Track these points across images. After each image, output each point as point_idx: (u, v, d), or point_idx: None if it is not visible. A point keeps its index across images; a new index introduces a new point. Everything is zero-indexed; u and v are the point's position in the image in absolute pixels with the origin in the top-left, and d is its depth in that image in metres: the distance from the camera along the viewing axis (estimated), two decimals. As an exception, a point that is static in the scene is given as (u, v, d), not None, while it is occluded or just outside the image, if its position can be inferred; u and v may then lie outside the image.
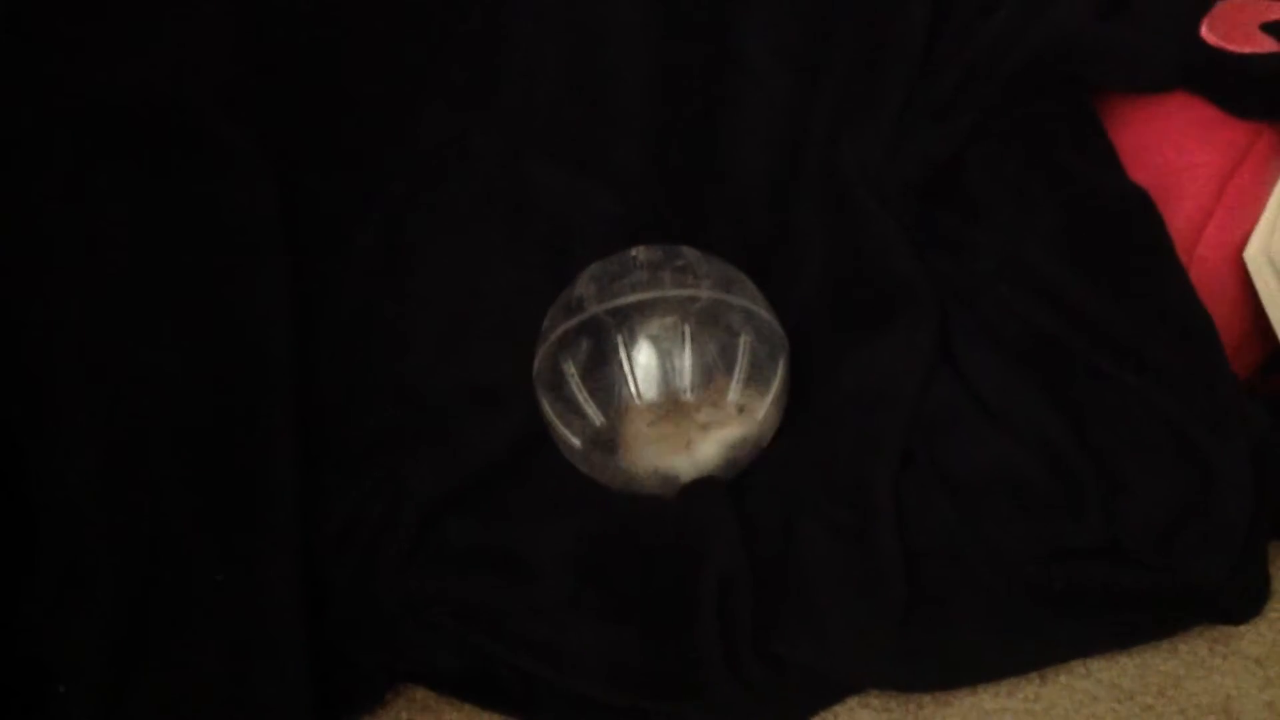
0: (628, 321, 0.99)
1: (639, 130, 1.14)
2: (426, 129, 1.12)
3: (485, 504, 1.02)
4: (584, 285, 1.03)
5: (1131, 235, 1.03)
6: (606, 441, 1.00)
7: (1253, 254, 1.01)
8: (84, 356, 0.97)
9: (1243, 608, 0.97)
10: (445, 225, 1.12)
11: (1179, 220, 1.02)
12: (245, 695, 0.92)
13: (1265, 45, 1.04)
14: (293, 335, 1.02)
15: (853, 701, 0.95)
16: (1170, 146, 1.06)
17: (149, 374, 0.98)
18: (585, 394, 1.00)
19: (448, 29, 1.13)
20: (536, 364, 1.03)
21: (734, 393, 0.99)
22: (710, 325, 0.99)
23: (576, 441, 1.01)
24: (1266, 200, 1.03)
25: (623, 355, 0.99)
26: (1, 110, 1.00)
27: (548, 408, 1.02)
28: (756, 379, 1.01)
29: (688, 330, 0.99)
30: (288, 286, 1.03)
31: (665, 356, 0.98)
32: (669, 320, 0.99)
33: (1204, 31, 1.06)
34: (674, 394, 0.98)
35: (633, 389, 0.98)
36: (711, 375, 0.99)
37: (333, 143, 1.11)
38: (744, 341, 1.00)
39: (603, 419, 0.99)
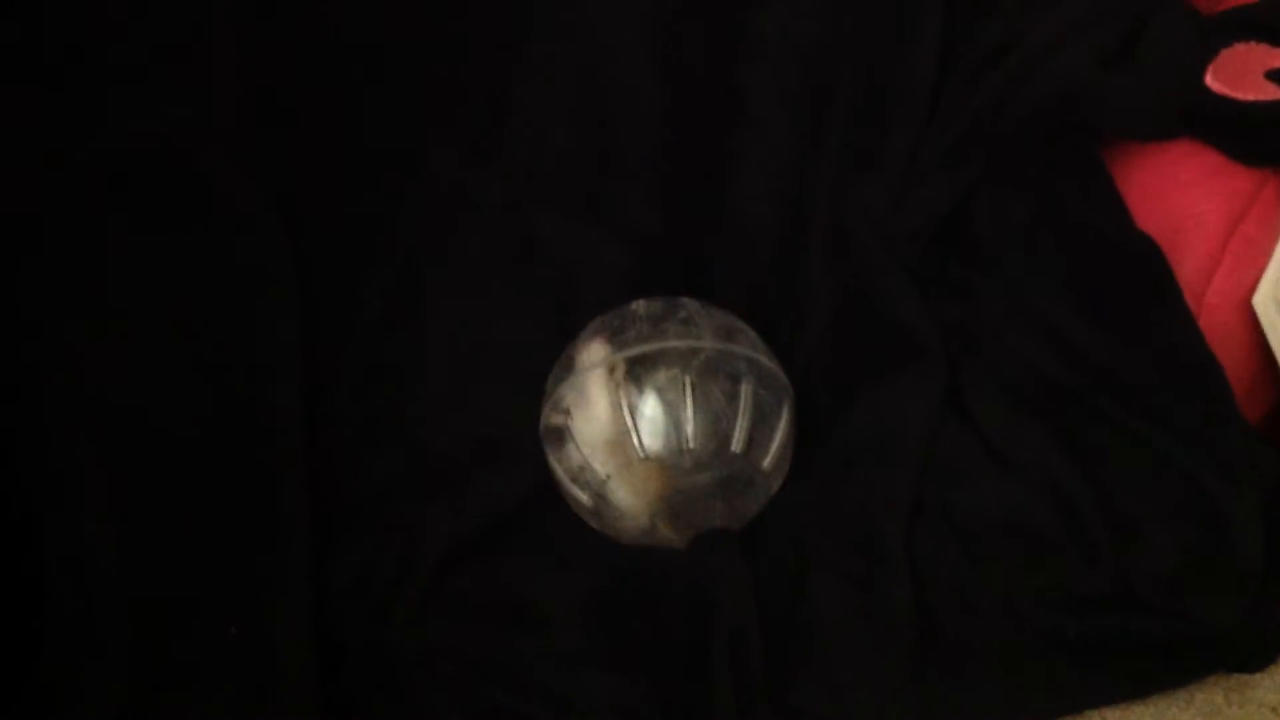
0: (630, 376, 0.99)
1: (645, 182, 1.15)
2: (436, 180, 1.13)
3: (496, 555, 1.02)
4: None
5: (1140, 283, 1.03)
6: (614, 497, 1.00)
7: (1261, 300, 1.01)
8: (93, 409, 0.98)
9: (1258, 656, 0.97)
10: (453, 276, 1.12)
11: (1187, 268, 1.02)
12: (256, 751, 0.92)
13: (1270, 92, 1.04)
14: (302, 386, 1.03)
15: (866, 753, 0.94)
16: (1177, 194, 1.06)
17: (158, 425, 0.99)
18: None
19: (457, 81, 1.14)
20: (542, 423, 1.03)
21: (739, 442, 0.99)
22: (713, 376, 0.99)
23: (584, 498, 1.01)
24: (1273, 247, 1.02)
25: (626, 410, 0.99)
26: (13, 157, 1.01)
27: (555, 466, 1.02)
28: (761, 427, 1.00)
29: (689, 382, 0.98)
30: (297, 337, 1.04)
31: (669, 409, 0.98)
32: (672, 373, 0.99)
33: (1209, 79, 1.06)
34: (679, 446, 0.98)
35: (637, 443, 0.98)
36: (716, 425, 0.99)
37: (343, 194, 1.12)
38: (747, 390, 1.00)
39: (609, 475, 0.99)
